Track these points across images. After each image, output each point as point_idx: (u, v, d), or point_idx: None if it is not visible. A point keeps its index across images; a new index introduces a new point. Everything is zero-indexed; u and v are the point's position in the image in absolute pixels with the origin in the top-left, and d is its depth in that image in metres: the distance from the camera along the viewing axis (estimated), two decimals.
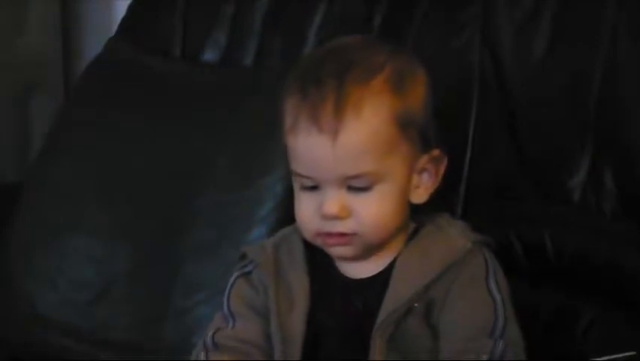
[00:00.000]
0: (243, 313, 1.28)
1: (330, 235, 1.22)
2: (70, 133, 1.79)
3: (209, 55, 1.80)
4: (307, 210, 1.23)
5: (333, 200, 1.20)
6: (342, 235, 1.22)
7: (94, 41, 2.01)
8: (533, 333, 1.35)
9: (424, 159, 1.24)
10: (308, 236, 1.25)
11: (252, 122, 1.62)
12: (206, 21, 1.80)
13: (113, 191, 1.66)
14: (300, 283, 1.26)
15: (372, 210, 1.21)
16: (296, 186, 1.25)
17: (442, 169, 1.26)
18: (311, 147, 1.20)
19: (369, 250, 1.24)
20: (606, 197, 1.38)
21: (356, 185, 1.20)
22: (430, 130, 1.24)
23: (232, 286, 1.31)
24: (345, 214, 1.21)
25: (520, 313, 1.39)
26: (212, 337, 1.28)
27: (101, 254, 1.62)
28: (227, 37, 1.78)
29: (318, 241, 1.24)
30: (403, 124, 1.21)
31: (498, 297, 1.23)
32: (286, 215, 1.57)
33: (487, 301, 1.22)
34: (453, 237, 1.26)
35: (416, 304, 1.22)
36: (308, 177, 1.22)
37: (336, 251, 1.25)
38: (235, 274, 1.31)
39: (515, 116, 1.45)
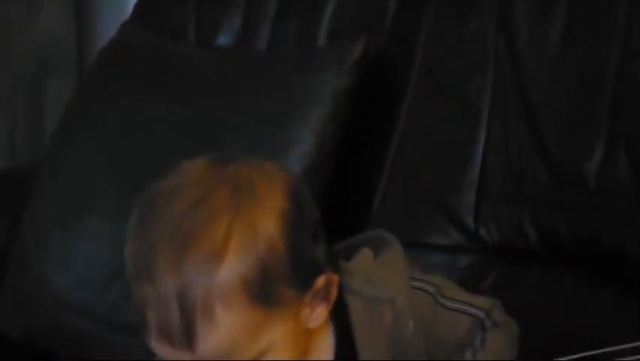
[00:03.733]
0: None
1: None
2: (84, 116, 1.79)
3: (223, 39, 1.80)
4: None
5: None
6: None
7: (108, 25, 2.00)
8: (545, 317, 1.36)
9: (308, 297, 1.06)
10: None
11: (266, 105, 1.62)
12: (220, 6, 1.80)
13: (127, 172, 1.66)
14: None
15: None
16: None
17: (334, 290, 1.08)
18: (167, 355, 1.03)
19: None
20: (621, 182, 1.38)
21: None
22: (307, 261, 1.05)
23: None
24: None
25: (532, 297, 1.40)
26: None
27: (116, 235, 1.62)
28: (241, 22, 1.78)
29: None
30: (266, 295, 1.01)
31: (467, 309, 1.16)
32: None
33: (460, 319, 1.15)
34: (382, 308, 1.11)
35: None
36: None
37: None
38: None
39: (531, 101, 1.45)
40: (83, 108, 1.80)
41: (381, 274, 1.13)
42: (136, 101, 1.73)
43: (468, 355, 1.14)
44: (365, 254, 1.15)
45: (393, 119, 1.59)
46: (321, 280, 1.06)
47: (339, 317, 1.12)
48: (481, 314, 1.16)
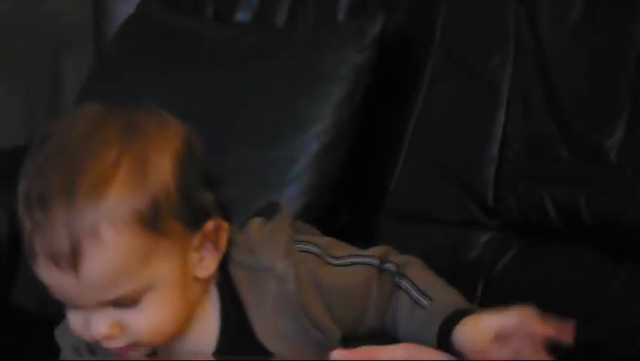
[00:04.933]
0: None
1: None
2: (102, 92, 1.79)
3: (241, 15, 1.79)
4: (77, 325, 1.08)
5: (99, 321, 1.06)
6: (122, 347, 1.09)
7: (125, 1, 2.01)
8: (565, 294, 1.36)
9: (197, 238, 1.08)
10: None
11: (284, 82, 1.62)
12: None
13: None
14: None
15: (147, 324, 1.07)
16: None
17: (223, 235, 1.11)
18: (54, 282, 1.05)
19: (164, 341, 1.10)
20: None
21: (119, 304, 1.05)
22: (197, 203, 1.08)
23: None
24: (117, 331, 1.06)
25: (553, 273, 1.40)
26: None
27: None
28: None
29: None
30: (155, 223, 1.04)
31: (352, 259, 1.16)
32: (319, 175, 1.58)
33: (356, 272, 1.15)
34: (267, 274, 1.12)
35: None
36: (65, 303, 1.08)
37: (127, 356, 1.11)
38: None
39: (551, 75, 1.44)
40: (100, 84, 1.80)
41: (262, 243, 1.14)
42: (153, 77, 1.73)
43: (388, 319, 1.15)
44: (252, 224, 1.16)
45: (412, 96, 1.58)
46: (210, 225, 1.09)
47: (229, 291, 1.13)
48: (375, 261, 1.16)
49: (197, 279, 1.10)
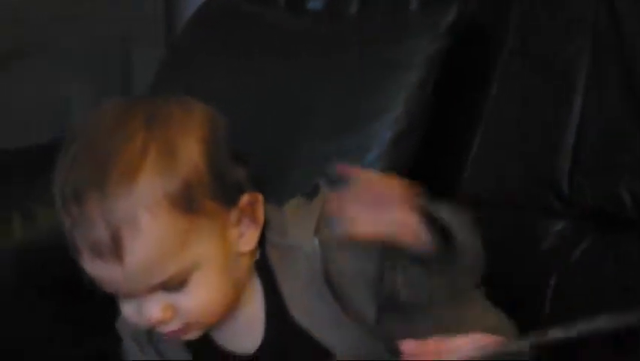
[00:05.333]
0: None
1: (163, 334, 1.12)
2: (173, 82, 1.80)
3: (313, 4, 1.79)
4: (130, 314, 1.11)
5: (151, 306, 1.09)
6: (175, 332, 1.11)
7: None
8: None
9: (234, 214, 1.11)
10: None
11: (358, 70, 1.62)
12: None
13: None
14: None
15: (197, 303, 1.09)
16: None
17: (260, 208, 1.13)
18: (101, 273, 1.07)
19: (215, 322, 1.14)
20: None
21: (168, 287, 1.08)
22: (229, 180, 1.10)
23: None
24: (169, 315, 1.09)
25: (626, 264, 1.39)
26: None
27: None
28: None
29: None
30: (189, 203, 1.06)
31: None
32: (391, 164, 1.58)
33: None
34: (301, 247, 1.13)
35: None
36: (116, 294, 1.11)
37: (180, 340, 1.15)
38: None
39: (629, 66, 1.43)
40: (172, 72, 1.81)
41: (294, 222, 1.15)
42: (225, 67, 1.74)
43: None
44: (290, 204, 1.19)
45: (485, 84, 1.57)
46: (245, 199, 1.11)
47: (267, 272, 1.15)
48: None
49: (239, 255, 1.12)
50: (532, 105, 1.51)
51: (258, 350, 1.16)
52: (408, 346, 1.02)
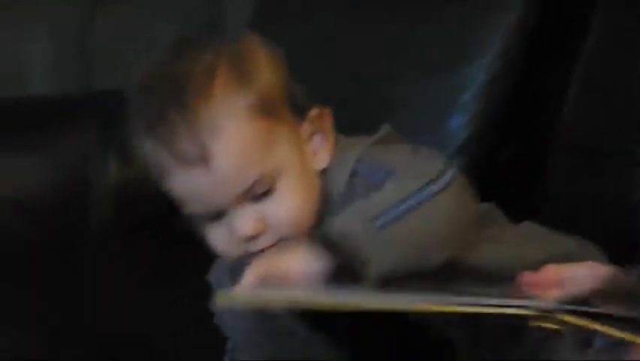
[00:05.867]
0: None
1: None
2: (264, 33, 1.78)
3: None
4: (222, 240, 1.12)
5: (242, 220, 1.10)
6: (267, 247, 1.11)
7: None
8: None
9: (306, 126, 1.15)
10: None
11: (453, 9, 1.59)
12: None
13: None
14: None
15: (285, 211, 1.11)
16: (201, 225, 1.14)
17: (328, 122, 1.17)
18: (188, 185, 1.10)
19: (306, 232, 1.13)
20: None
21: (256, 193, 1.10)
22: (296, 93, 1.15)
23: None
24: (261, 227, 1.10)
25: None
26: None
27: None
28: None
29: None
30: (266, 110, 1.11)
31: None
32: (485, 107, 1.56)
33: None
34: None
35: None
36: (205, 212, 1.12)
37: None
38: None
39: None
40: (263, 24, 1.80)
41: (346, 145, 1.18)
42: (312, 22, 1.72)
43: None
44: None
45: (584, 29, 1.54)
46: (314, 111, 1.15)
47: None
48: None
49: (315, 174, 1.14)
50: (635, 46, 1.47)
51: None
52: (527, 277, 1.00)
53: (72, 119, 1.82)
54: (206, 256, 1.56)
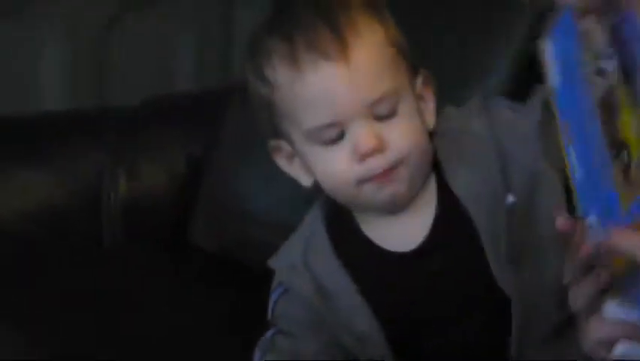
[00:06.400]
0: (296, 333, 1.22)
1: (375, 177, 1.14)
2: None
3: None
4: (340, 162, 1.14)
5: (367, 133, 1.12)
6: (387, 172, 1.14)
7: None
8: None
9: (419, 82, 1.19)
10: (348, 192, 1.16)
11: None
12: None
13: None
14: (339, 284, 1.19)
15: (407, 133, 1.14)
16: (315, 150, 1.16)
17: (432, 89, 1.20)
18: (323, 81, 1.12)
19: (414, 186, 1.16)
20: None
21: (381, 112, 1.13)
22: (408, 54, 1.19)
23: (274, 312, 1.24)
24: (382, 145, 1.13)
25: None
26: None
27: None
28: None
29: (363, 192, 1.15)
30: (394, 44, 1.16)
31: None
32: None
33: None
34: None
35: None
36: (331, 124, 1.13)
37: (386, 194, 1.15)
38: (272, 300, 1.24)
39: None
40: None
41: (456, 110, 1.23)
42: None
43: None
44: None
45: None
46: (423, 72, 1.19)
47: (435, 165, 1.19)
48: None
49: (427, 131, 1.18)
50: None
51: (420, 246, 1.18)
52: (560, 221, 0.97)
53: (86, 135, 1.84)
54: (215, 266, 1.59)
